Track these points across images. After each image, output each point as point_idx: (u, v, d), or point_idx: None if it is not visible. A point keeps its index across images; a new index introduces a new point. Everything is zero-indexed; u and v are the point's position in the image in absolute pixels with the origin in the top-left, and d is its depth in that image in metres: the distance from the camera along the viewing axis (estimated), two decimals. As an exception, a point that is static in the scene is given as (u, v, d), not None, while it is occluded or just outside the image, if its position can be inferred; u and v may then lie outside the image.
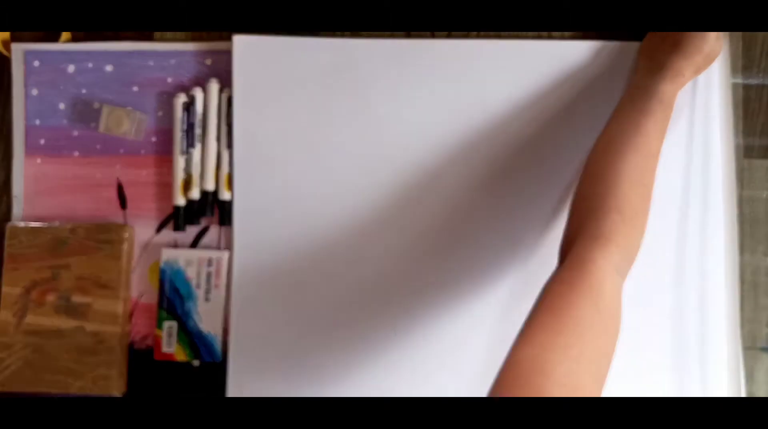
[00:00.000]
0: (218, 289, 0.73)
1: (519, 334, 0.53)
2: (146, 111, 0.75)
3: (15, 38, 0.77)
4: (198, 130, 0.74)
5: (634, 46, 0.71)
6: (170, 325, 0.73)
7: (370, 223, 0.72)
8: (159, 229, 0.75)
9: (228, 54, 0.74)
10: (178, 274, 0.73)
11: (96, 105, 0.76)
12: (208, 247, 0.74)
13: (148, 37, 0.76)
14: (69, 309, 0.72)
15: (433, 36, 0.74)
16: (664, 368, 0.70)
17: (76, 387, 0.71)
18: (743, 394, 0.70)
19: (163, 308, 0.73)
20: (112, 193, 0.75)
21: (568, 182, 0.72)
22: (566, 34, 0.74)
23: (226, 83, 0.74)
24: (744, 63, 0.73)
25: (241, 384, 0.72)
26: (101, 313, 0.72)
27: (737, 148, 0.72)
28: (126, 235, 0.73)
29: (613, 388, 0.53)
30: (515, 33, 0.74)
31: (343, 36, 0.74)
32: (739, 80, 0.73)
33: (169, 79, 0.75)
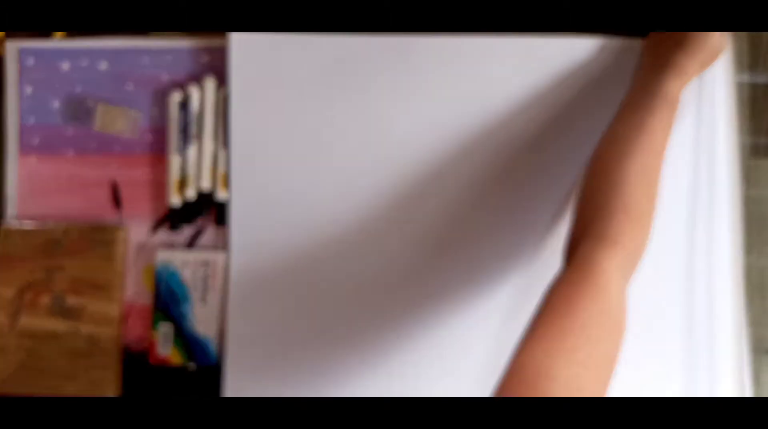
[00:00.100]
0: (214, 291, 0.73)
1: (523, 336, 0.53)
2: (141, 109, 0.75)
3: (9, 35, 0.77)
4: (194, 129, 0.74)
5: (637, 43, 0.71)
6: (165, 328, 0.73)
7: (369, 223, 0.72)
8: (154, 230, 0.75)
9: (224, 51, 0.73)
10: (174, 276, 0.73)
11: (91, 103, 0.76)
12: (204, 248, 0.74)
13: (143, 34, 0.76)
14: (63, 311, 0.72)
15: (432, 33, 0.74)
16: (670, 371, 0.70)
17: (71, 390, 0.72)
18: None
19: (158, 310, 0.73)
20: (107, 193, 0.75)
21: (571, 181, 0.71)
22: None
23: (222, 81, 0.74)
24: (750, 61, 0.73)
25: (237, 387, 0.72)
26: (96, 315, 0.72)
27: (743, 147, 0.72)
28: (121, 235, 0.73)
29: (619, 391, 0.52)
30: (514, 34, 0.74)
31: (341, 34, 0.74)
32: (745, 79, 0.73)
33: (165, 77, 0.75)
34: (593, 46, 0.72)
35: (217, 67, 0.74)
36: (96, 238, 0.73)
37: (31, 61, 0.76)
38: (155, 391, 0.73)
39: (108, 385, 0.71)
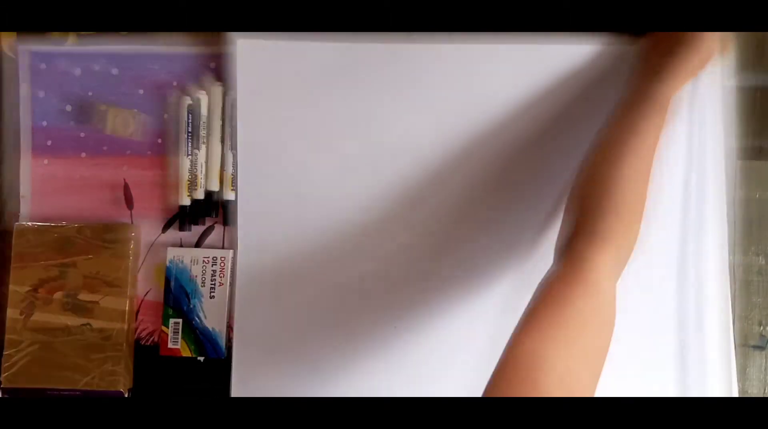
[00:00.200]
0: (222, 287, 0.74)
1: (517, 328, 0.53)
2: (151, 112, 0.76)
3: (21, 40, 0.77)
4: (202, 132, 0.75)
5: (631, 49, 0.72)
6: (176, 322, 0.74)
7: (371, 222, 0.73)
8: (165, 229, 0.75)
9: (231, 56, 0.74)
10: (184, 272, 0.74)
11: (102, 107, 0.76)
12: (212, 247, 0.75)
13: (154, 41, 0.76)
14: (76, 307, 0.73)
15: (432, 39, 0.75)
16: (657, 366, 0.71)
17: (83, 383, 0.72)
18: (736, 391, 0.70)
19: (168, 305, 0.74)
20: (119, 194, 0.76)
21: (566, 183, 0.71)
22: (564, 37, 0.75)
23: (229, 86, 0.75)
24: (739, 66, 0.73)
25: (244, 380, 0.72)
26: (108, 310, 0.73)
27: (732, 149, 0.73)
28: (132, 234, 0.74)
29: (608, 385, 0.53)
30: (514, 36, 0.75)
31: (344, 40, 0.75)
32: (734, 83, 0.73)
33: (174, 82, 0.76)
34: (588, 52, 0.72)
35: (224, 72, 0.75)
36: (108, 236, 0.73)
37: (43, 66, 0.76)
38: (166, 384, 0.74)
39: (120, 379, 0.72)
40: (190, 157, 0.75)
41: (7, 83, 0.77)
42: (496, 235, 0.72)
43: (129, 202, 0.76)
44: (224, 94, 0.75)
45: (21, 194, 0.77)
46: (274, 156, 0.74)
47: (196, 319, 0.74)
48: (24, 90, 0.77)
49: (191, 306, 0.74)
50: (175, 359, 0.74)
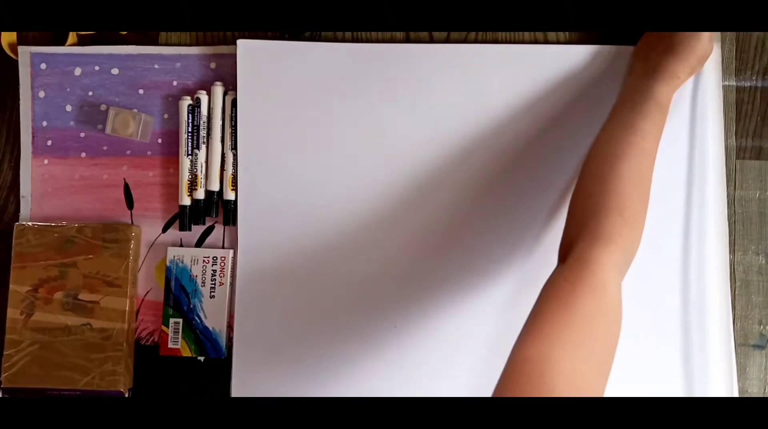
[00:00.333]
0: (222, 287, 0.74)
1: (524, 330, 0.53)
2: (152, 113, 0.76)
3: (22, 41, 0.77)
4: (203, 132, 0.75)
5: (629, 49, 0.72)
6: (176, 322, 0.74)
7: (372, 223, 0.73)
8: (165, 229, 0.76)
9: (232, 58, 0.75)
10: (184, 271, 0.74)
11: (102, 107, 0.76)
12: (212, 247, 0.75)
13: (154, 41, 0.77)
14: (76, 306, 0.73)
15: (432, 40, 0.75)
16: (657, 365, 0.71)
17: (84, 383, 0.72)
18: (735, 390, 0.71)
19: (169, 305, 0.74)
20: (119, 194, 0.76)
21: (566, 183, 0.73)
22: (562, 38, 0.75)
23: (230, 86, 0.75)
24: (737, 65, 0.74)
25: (245, 380, 0.72)
26: (108, 310, 0.73)
27: (730, 149, 0.73)
28: (133, 234, 0.74)
29: (612, 385, 0.53)
30: (513, 38, 0.75)
31: (344, 41, 0.75)
32: (733, 83, 0.74)
33: (175, 82, 0.76)
34: (586, 52, 0.73)
35: (225, 74, 0.75)
36: (108, 236, 0.73)
37: (43, 66, 0.76)
38: (166, 384, 0.74)
39: (120, 378, 0.72)
40: (190, 157, 0.75)
41: (7, 83, 0.77)
42: (497, 235, 0.73)
43: (129, 202, 0.76)
44: (225, 94, 0.75)
45: (21, 194, 0.77)
46: (274, 156, 0.74)
47: (197, 318, 0.74)
48: (24, 90, 0.77)
49: (191, 306, 0.74)
50: (175, 359, 0.74)
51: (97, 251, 0.73)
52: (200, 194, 0.75)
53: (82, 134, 0.77)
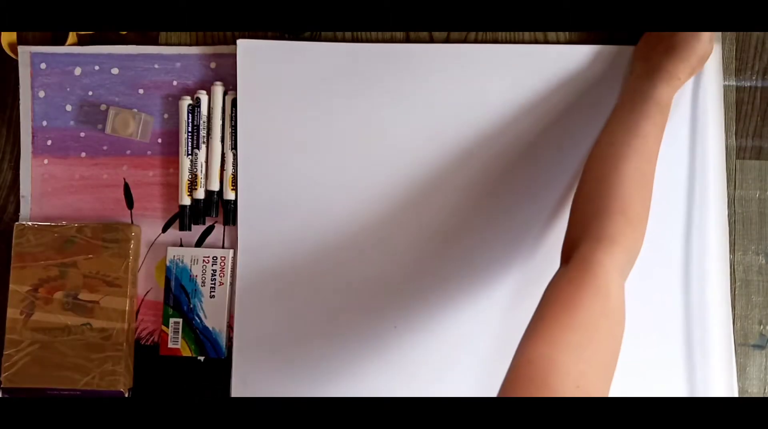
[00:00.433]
0: (222, 287, 0.74)
1: (528, 332, 0.53)
2: (152, 113, 0.76)
3: (22, 41, 0.77)
4: (203, 132, 0.75)
5: (629, 50, 0.72)
6: (176, 322, 0.74)
7: (373, 223, 0.73)
8: (165, 229, 0.76)
9: (232, 57, 0.75)
10: (184, 271, 0.74)
11: (102, 107, 0.76)
12: (212, 247, 0.75)
13: (153, 41, 0.77)
14: (76, 306, 0.73)
15: (432, 40, 0.75)
16: (657, 365, 0.71)
17: (83, 383, 0.72)
18: (735, 390, 0.71)
19: (169, 305, 0.74)
20: (119, 194, 0.76)
21: (566, 183, 0.73)
22: (562, 38, 0.75)
23: (230, 86, 0.75)
24: (737, 66, 0.74)
25: (245, 380, 0.73)
26: (108, 310, 0.73)
27: (730, 149, 0.73)
28: (133, 234, 0.74)
29: (615, 385, 0.53)
30: (513, 38, 0.75)
31: (344, 40, 0.75)
32: (733, 83, 0.74)
33: (175, 82, 0.76)
34: (587, 53, 0.73)
35: (225, 73, 0.75)
36: (108, 236, 0.73)
37: (43, 66, 0.76)
38: (166, 384, 0.74)
39: (120, 378, 0.72)
40: (190, 156, 0.75)
41: (7, 83, 0.78)
42: (498, 236, 0.73)
43: (129, 202, 0.76)
44: (225, 94, 0.75)
45: (21, 194, 0.77)
46: (274, 156, 0.74)
47: (197, 318, 0.74)
48: (24, 90, 0.77)
49: (191, 306, 0.74)
50: (175, 359, 0.74)
51: (97, 251, 0.73)
52: (200, 194, 0.75)
53: (82, 134, 0.77)
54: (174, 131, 0.76)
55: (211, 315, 0.74)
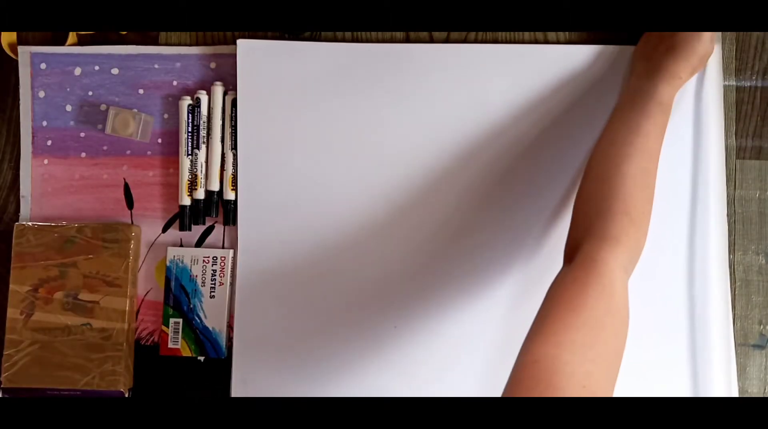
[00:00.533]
0: (222, 287, 0.74)
1: (532, 332, 0.53)
2: (152, 113, 0.76)
3: (22, 41, 0.77)
4: (203, 132, 0.75)
5: (630, 49, 0.72)
6: (176, 322, 0.74)
7: (373, 223, 0.73)
8: (165, 229, 0.76)
9: (232, 57, 0.75)
10: (184, 271, 0.74)
11: (102, 107, 0.76)
12: (212, 247, 0.75)
13: (154, 41, 0.77)
14: (76, 306, 0.73)
15: (432, 40, 0.75)
16: (658, 365, 0.71)
17: (83, 383, 0.72)
18: (735, 390, 0.71)
19: (169, 305, 0.74)
20: (119, 194, 0.76)
21: (568, 183, 0.73)
22: (562, 38, 0.75)
23: (230, 86, 0.75)
24: (737, 66, 0.74)
25: (245, 380, 0.73)
26: (108, 310, 0.73)
27: (730, 149, 0.73)
28: (133, 234, 0.74)
29: (618, 384, 0.53)
30: (513, 38, 0.75)
31: (344, 41, 0.75)
32: (733, 83, 0.74)
33: (175, 82, 0.76)
34: (587, 53, 0.73)
35: (225, 73, 0.75)
36: (108, 236, 0.73)
37: (43, 66, 0.76)
38: (166, 384, 0.74)
39: (120, 378, 0.72)
40: (190, 157, 0.75)
41: (7, 83, 0.78)
42: (499, 236, 0.73)
43: (129, 202, 0.76)
44: (225, 94, 0.75)
45: (21, 194, 0.77)
46: (274, 156, 0.74)
47: (197, 318, 0.74)
48: (24, 90, 0.77)
49: (191, 306, 0.74)
50: (175, 359, 0.74)
51: (97, 251, 0.74)
52: (200, 194, 0.75)
53: (82, 134, 0.77)
54: (174, 131, 0.76)
55: (211, 315, 0.74)
